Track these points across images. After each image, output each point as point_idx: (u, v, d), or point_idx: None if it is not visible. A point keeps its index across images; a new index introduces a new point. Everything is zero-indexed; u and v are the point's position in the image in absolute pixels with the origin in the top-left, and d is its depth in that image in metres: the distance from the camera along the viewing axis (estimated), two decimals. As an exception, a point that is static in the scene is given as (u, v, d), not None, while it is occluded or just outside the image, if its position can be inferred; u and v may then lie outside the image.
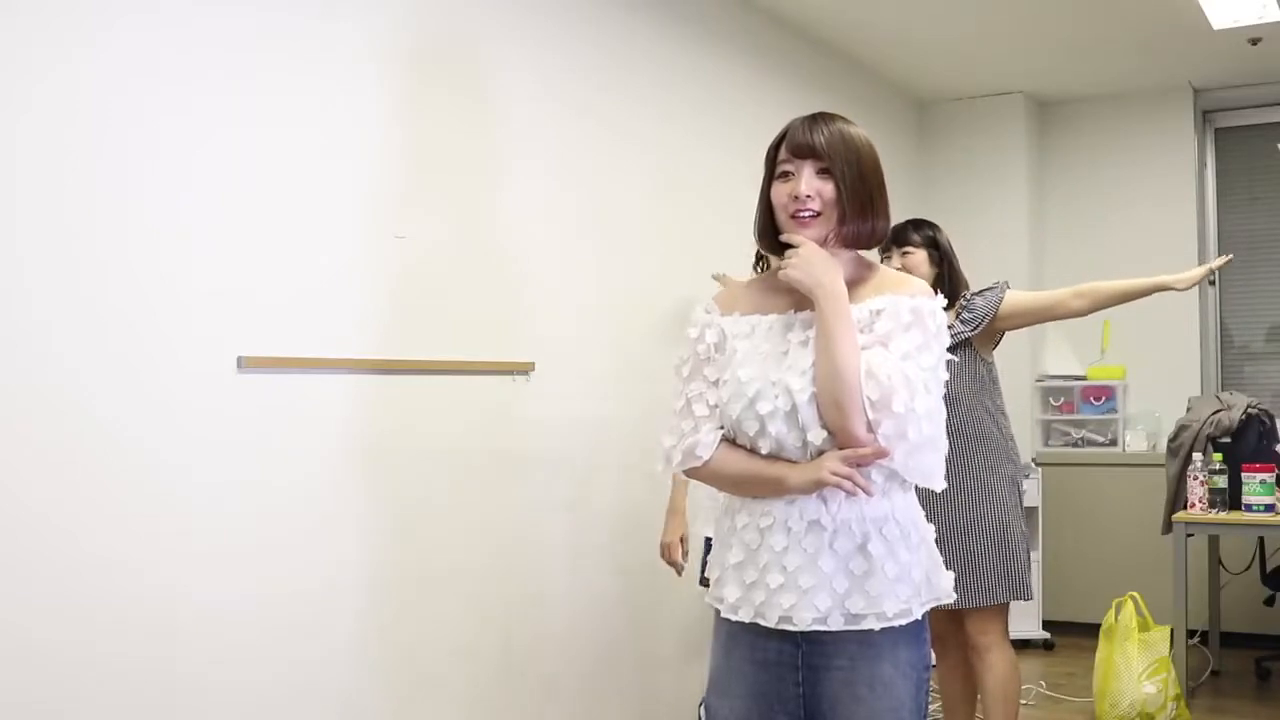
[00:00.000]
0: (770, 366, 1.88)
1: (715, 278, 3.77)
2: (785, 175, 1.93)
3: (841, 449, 1.80)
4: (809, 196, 1.90)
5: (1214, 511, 4.43)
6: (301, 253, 2.77)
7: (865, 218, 1.92)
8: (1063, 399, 6.04)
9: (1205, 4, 4.68)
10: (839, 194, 1.90)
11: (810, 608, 1.83)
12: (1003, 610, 3.38)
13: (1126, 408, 5.95)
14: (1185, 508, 4.51)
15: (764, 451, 1.86)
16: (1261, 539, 5.03)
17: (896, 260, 3.34)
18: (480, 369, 3.27)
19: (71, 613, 2.28)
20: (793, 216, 1.91)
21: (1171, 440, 4.81)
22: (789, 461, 1.85)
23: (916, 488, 1.92)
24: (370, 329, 2.95)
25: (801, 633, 1.85)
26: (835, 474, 1.79)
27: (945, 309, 1.94)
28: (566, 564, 3.58)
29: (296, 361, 2.73)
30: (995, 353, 3.48)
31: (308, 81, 2.80)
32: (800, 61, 5.01)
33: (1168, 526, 4.59)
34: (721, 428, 1.91)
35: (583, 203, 3.70)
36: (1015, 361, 5.46)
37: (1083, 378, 6.04)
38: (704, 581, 2.39)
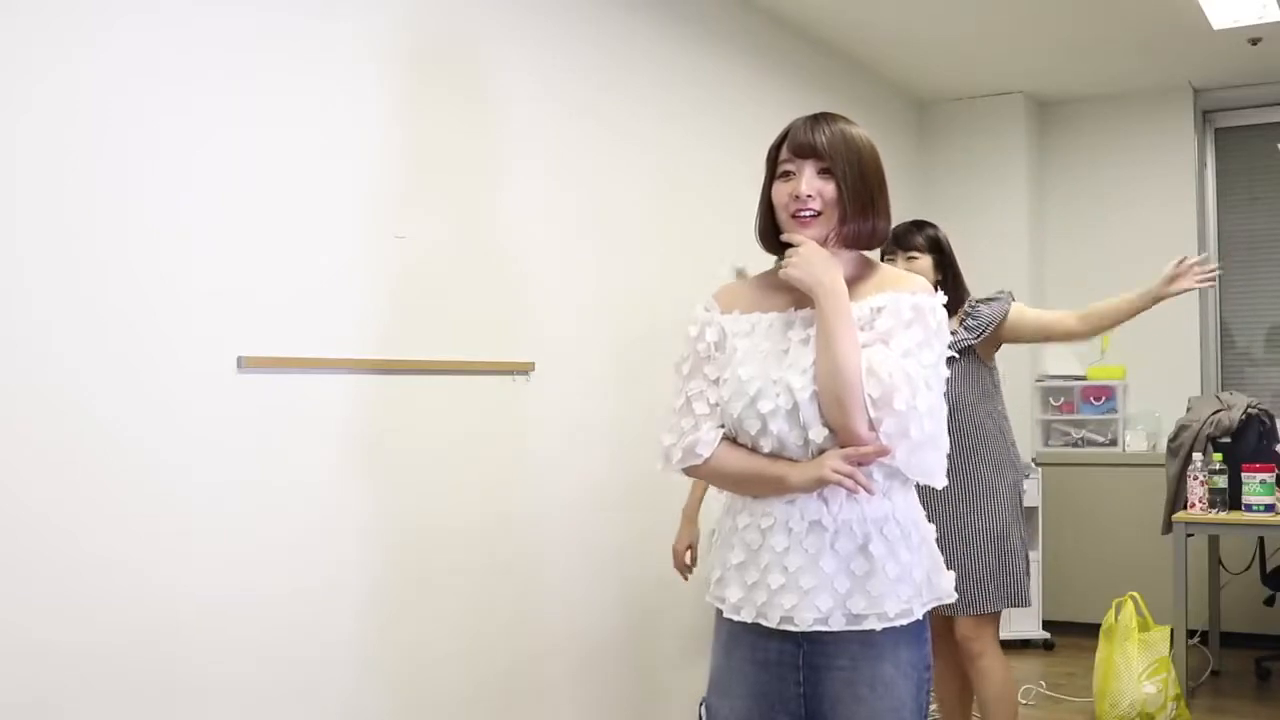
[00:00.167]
0: (771, 365, 1.88)
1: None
2: (786, 175, 1.94)
3: (843, 447, 1.81)
4: (810, 196, 1.90)
5: (1214, 511, 4.43)
6: (301, 253, 2.76)
7: (866, 218, 1.92)
8: (1063, 399, 6.04)
9: (1205, 4, 4.68)
10: (840, 194, 1.90)
11: (812, 608, 1.83)
12: (995, 616, 3.37)
13: (1126, 408, 5.95)
14: (1185, 508, 4.51)
15: (766, 450, 1.86)
16: (1261, 539, 5.03)
17: (901, 264, 3.31)
18: (480, 369, 3.27)
19: (71, 613, 2.28)
20: (793, 216, 1.92)
21: (1171, 440, 4.81)
22: (790, 460, 1.85)
23: (918, 490, 1.92)
24: (370, 329, 2.95)
25: (803, 633, 1.85)
26: (837, 472, 1.78)
27: (948, 312, 1.94)
28: (566, 564, 3.58)
29: (296, 361, 2.73)
30: (996, 355, 3.47)
31: (308, 81, 2.80)
32: (800, 61, 5.01)
33: (1168, 526, 4.59)
34: (722, 426, 1.91)
35: (583, 203, 3.70)
36: (1015, 362, 5.45)
37: (1083, 378, 6.03)
38: None
